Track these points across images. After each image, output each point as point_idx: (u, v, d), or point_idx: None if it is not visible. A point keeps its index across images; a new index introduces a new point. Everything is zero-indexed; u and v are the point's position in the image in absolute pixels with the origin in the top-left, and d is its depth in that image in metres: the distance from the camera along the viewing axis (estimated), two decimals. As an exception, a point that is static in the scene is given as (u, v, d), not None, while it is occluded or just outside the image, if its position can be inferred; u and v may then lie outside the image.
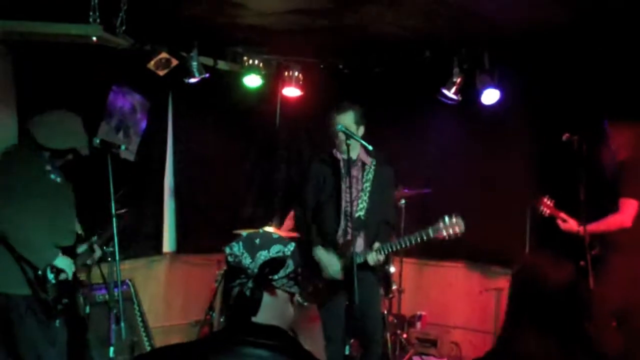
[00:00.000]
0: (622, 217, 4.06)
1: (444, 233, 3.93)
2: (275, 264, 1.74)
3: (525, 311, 1.84)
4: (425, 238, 3.97)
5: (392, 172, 4.29)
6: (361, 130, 4.10)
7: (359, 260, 3.92)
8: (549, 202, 4.43)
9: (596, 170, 4.21)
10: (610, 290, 3.99)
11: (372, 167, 4.15)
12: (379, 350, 4.25)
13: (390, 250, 4.03)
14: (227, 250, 1.78)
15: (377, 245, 4.02)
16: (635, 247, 4.04)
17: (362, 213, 4.06)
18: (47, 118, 3.71)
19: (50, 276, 3.49)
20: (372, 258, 3.99)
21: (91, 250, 3.82)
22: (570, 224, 4.29)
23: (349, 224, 4.06)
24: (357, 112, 4.07)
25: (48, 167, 3.69)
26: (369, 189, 4.10)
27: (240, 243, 1.78)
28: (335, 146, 4.14)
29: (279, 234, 1.89)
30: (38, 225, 3.50)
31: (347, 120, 4.01)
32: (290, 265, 1.77)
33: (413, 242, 3.97)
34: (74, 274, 3.64)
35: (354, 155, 4.06)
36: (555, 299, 1.81)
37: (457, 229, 3.93)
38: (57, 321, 3.55)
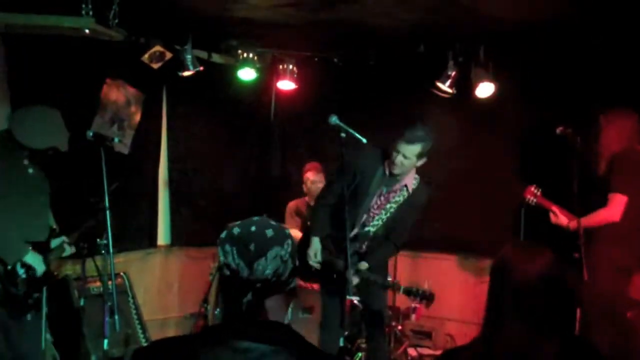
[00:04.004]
0: (610, 212, 4.02)
1: (413, 300, 3.96)
2: (276, 277, 1.63)
3: (505, 302, 1.85)
4: (397, 290, 4.02)
5: (426, 198, 4.07)
6: (420, 162, 3.91)
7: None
8: (535, 191, 4.42)
9: (588, 164, 4.20)
10: (597, 282, 3.98)
11: (408, 193, 3.99)
12: (384, 341, 4.31)
13: (367, 279, 3.94)
14: (222, 259, 1.65)
15: (364, 265, 3.95)
16: (618, 237, 4.03)
17: (372, 229, 4.03)
18: (26, 116, 3.65)
19: (21, 271, 3.52)
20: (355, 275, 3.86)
21: (62, 248, 3.84)
22: (560, 219, 4.26)
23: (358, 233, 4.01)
24: (426, 145, 3.80)
25: (26, 162, 3.68)
26: (392, 209, 4.00)
27: (234, 250, 1.64)
28: (390, 161, 3.90)
29: (272, 227, 1.69)
30: (10, 222, 3.50)
31: (410, 151, 3.79)
32: (289, 265, 1.66)
33: (387, 286, 4.10)
34: (47, 270, 3.66)
35: (401, 173, 3.91)
36: (532, 289, 1.81)
37: (424, 302, 3.92)
38: (29, 315, 3.57)
